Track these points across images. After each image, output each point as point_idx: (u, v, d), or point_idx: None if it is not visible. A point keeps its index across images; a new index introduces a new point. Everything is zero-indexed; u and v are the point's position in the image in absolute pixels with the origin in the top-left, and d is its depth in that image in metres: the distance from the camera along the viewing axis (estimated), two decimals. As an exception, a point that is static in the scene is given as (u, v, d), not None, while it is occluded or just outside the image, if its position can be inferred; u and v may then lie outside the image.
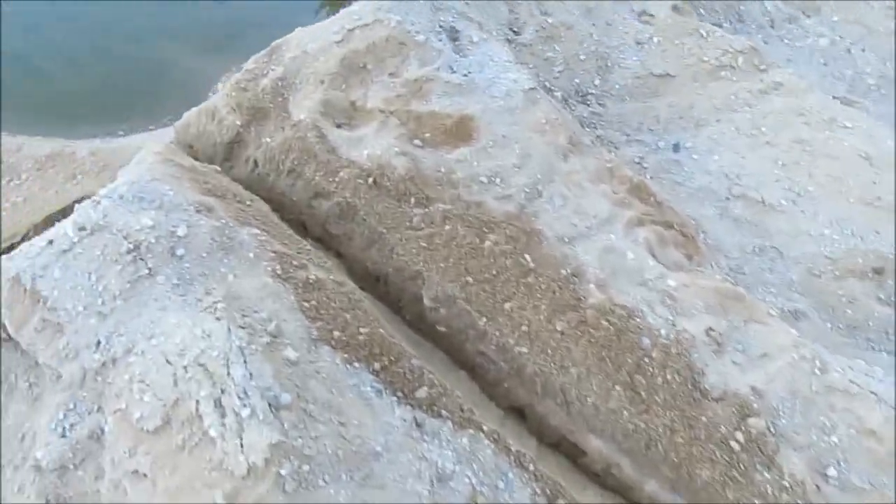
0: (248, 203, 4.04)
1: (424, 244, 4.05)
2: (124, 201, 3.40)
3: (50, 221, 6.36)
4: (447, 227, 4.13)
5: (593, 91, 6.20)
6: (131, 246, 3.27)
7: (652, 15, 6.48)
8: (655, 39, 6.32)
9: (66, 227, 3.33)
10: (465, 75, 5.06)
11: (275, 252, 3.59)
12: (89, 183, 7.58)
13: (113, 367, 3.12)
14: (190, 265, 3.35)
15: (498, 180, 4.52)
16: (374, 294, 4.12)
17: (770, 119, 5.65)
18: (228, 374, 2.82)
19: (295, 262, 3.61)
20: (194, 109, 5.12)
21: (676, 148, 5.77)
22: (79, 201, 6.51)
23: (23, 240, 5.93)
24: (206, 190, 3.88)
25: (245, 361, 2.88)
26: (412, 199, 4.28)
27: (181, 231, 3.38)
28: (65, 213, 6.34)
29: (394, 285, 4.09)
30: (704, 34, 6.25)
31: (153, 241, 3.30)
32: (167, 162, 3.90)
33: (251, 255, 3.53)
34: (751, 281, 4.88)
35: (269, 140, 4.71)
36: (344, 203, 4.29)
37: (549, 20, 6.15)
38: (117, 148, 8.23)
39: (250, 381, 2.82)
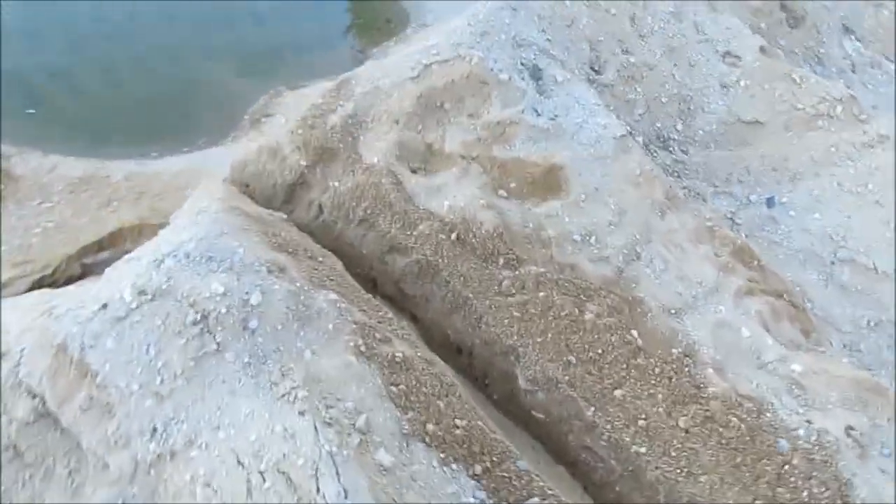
0: (320, 260, 3.57)
1: (517, 313, 3.56)
2: (192, 262, 2.94)
3: (84, 252, 5.92)
4: (541, 294, 3.64)
5: (676, 136, 5.72)
6: (198, 316, 2.80)
7: (738, 56, 6.01)
8: (743, 83, 5.85)
9: (123, 289, 2.87)
10: (552, 119, 4.60)
11: (355, 323, 3.11)
12: (126, 211, 7.17)
13: (171, 461, 2.64)
14: (263, 339, 2.87)
15: (592, 239, 4.03)
16: (455, 366, 3.62)
17: (877, 176, 5.14)
18: (318, 489, 2.32)
19: (378, 335, 3.13)
20: (254, 146, 4.70)
21: (771, 203, 5.27)
22: (116, 234, 6.20)
23: (54, 272, 5.51)
24: (277, 245, 3.42)
25: (337, 473, 2.38)
26: (500, 260, 3.80)
27: (254, 299, 2.91)
28: (101, 244, 5.93)
29: (480, 359, 3.60)
30: (798, 80, 5.76)
31: (224, 310, 2.83)
32: (232, 210, 3.46)
33: (330, 326, 3.06)
34: (869, 360, 4.34)
35: (337, 184, 4.27)
36: (424, 261, 3.82)
37: (632, 59, 5.70)
38: (153, 174, 7.83)
39: (345, 499, 2.32)
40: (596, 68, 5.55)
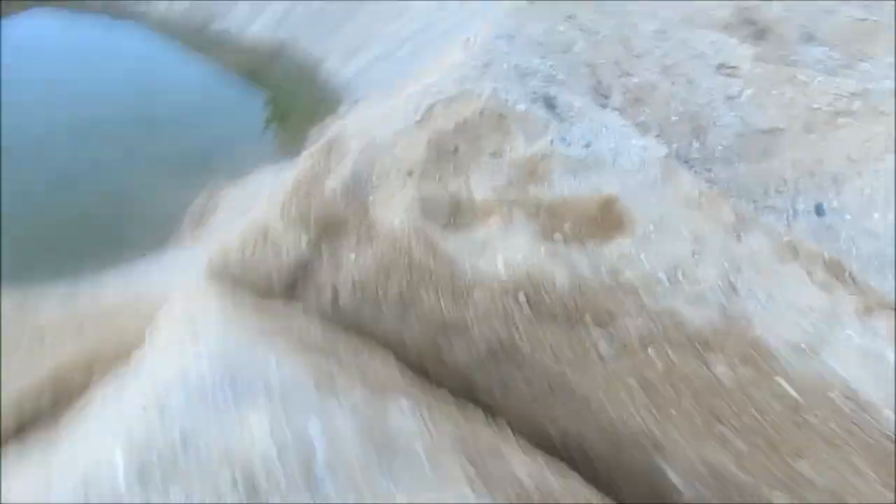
0: (366, 355, 2.66)
1: (635, 383, 2.73)
2: (210, 394, 1.98)
3: (21, 404, 4.72)
4: (651, 353, 2.85)
5: (696, 156, 5.18)
6: (239, 476, 1.82)
7: (734, 67, 5.64)
8: (747, 92, 5.44)
9: (108, 463, 1.85)
10: (586, 146, 3.93)
11: (450, 436, 2.20)
12: (65, 347, 5.97)
13: None
14: (337, 490, 1.91)
15: (680, 276, 3.30)
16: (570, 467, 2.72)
17: (925, 164, 4.72)
18: None
19: (483, 447, 2.22)
20: (236, 232, 3.78)
21: (820, 210, 4.74)
22: (58, 376, 5.00)
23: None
24: (308, 346, 2.49)
25: None
26: (588, 319, 2.99)
27: (314, 431, 1.96)
28: (41, 391, 4.76)
29: (601, 456, 2.71)
30: (805, 80, 5.41)
31: (275, 460, 1.87)
32: (241, 308, 2.52)
33: (419, 448, 2.12)
34: None
35: (353, 258, 3.39)
36: (492, 337, 2.96)
37: (634, 80, 5.20)
38: (91, 298, 6.70)
39: None
40: (603, 93, 5.00)
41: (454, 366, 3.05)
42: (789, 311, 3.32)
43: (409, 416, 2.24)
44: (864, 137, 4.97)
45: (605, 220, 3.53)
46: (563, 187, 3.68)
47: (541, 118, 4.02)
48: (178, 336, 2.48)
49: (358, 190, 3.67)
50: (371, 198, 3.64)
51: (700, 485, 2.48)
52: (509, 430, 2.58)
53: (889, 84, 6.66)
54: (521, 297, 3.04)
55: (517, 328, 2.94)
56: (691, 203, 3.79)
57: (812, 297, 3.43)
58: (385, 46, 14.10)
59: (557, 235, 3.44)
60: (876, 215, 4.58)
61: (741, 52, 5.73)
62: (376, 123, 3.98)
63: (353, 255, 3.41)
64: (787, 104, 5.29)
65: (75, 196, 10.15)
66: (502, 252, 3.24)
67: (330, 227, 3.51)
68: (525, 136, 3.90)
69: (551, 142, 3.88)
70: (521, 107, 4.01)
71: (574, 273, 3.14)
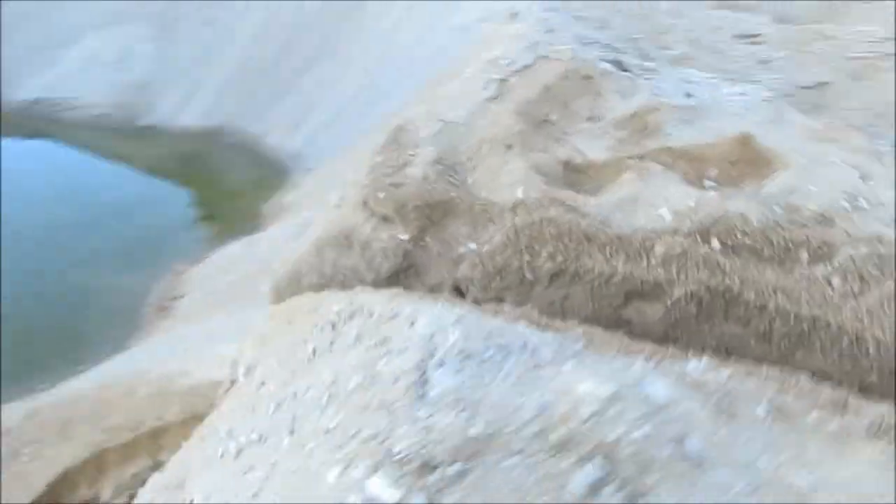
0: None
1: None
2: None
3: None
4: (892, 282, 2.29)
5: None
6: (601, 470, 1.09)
7: (756, 34, 5.45)
8: (779, 54, 5.23)
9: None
10: (687, 96, 3.49)
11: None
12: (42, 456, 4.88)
13: None
14: (713, 460, 1.19)
15: (863, 201, 2.79)
16: None
17: None
18: None
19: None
20: (303, 247, 3.05)
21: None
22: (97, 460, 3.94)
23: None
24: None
25: None
26: (803, 254, 2.41)
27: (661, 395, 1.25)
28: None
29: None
30: (831, 33, 5.25)
31: (638, 436, 1.15)
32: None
33: (761, 411, 1.44)
34: None
35: (475, 245, 2.72)
36: (698, 291, 2.33)
37: (670, 52, 4.89)
38: (56, 403, 5.63)
39: None
40: (652, 59, 4.63)
41: (655, 329, 2.38)
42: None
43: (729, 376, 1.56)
44: (915, 74, 4.77)
45: (751, 159, 3.03)
46: (684, 136, 3.18)
47: (626, 76, 3.57)
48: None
49: (452, 173, 3.05)
50: (471, 179, 3.02)
51: None
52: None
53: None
54: (715, 243, 2.45)
55: (729, 277, 2.33)
56: (820, 136, 3.37)
57: None
58: (331, 111, 13.77)
59: (708, 181, 2.90)
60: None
61: (758, 20, 5.56)
62: (444, 108, 3.40)
63: (472, 244, 2.74)
64: (826, 58, 5.07)
65: (24, 306, 9.03)
66: (663, 203, 2.66)
67: (434, 216, 2.85)
68: (620, 95, 3.41)
69: (654, 95, 3.40)
70: (606, 65, 3.54)
71: (759, 210, 2.59)
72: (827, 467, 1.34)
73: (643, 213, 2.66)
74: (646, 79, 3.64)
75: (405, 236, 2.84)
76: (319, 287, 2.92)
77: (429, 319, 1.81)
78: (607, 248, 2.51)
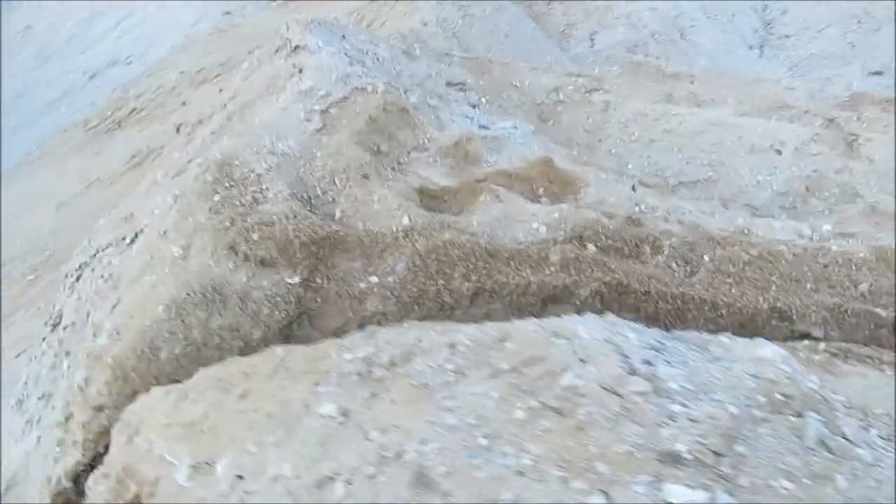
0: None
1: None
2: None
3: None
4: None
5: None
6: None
7: (464, 82, 6.28)
8: (484, 99, 6.15)
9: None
10: (482, 128, 3.88)
11: None
12: None
13: None
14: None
15: (643, 206, 3.55)
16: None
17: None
18: None
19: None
20: (137, 320, 2.38)
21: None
22: None
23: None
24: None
25: None
26: (644, 247, 2.96)
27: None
28: None
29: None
30: (519, 84, 6.39)
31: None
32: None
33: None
34: None
35: (379, 279, 2.56)
36: (595, 289, 2.66)
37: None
38: None
39: None
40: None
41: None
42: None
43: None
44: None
45: (559, 178, 3.52)
46: (501, 161, 3.54)
47: (431, 109, 3.79)
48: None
49: (314, 207, 2.80)
50: (338, 212, 2.82)
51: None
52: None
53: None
54: (591, 246, 2.82)
55: (612, 270, 2.72)
56: (578, 160, 4.12)
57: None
58: None
59: (542, 198, 3.30)
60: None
61: (459, 71, 6.38)
62: (267, 141, 3.09)
63: (374, 277, 2.58)
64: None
65: None
66: (532, 218, 2.94)
67: (321, 253, 2.58)
68: (434, 126, 3.61)
69: (460, 126, 3.69)
70: (413, 98, 3.70)
71: (602, 217, 3.07)
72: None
73: (520, 228, 2.89)
74: (441, 112, 3.92)
75: (295, 279, 2.50)
76: (188, 357, 2.36)
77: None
78: (511, 262, 2.66)
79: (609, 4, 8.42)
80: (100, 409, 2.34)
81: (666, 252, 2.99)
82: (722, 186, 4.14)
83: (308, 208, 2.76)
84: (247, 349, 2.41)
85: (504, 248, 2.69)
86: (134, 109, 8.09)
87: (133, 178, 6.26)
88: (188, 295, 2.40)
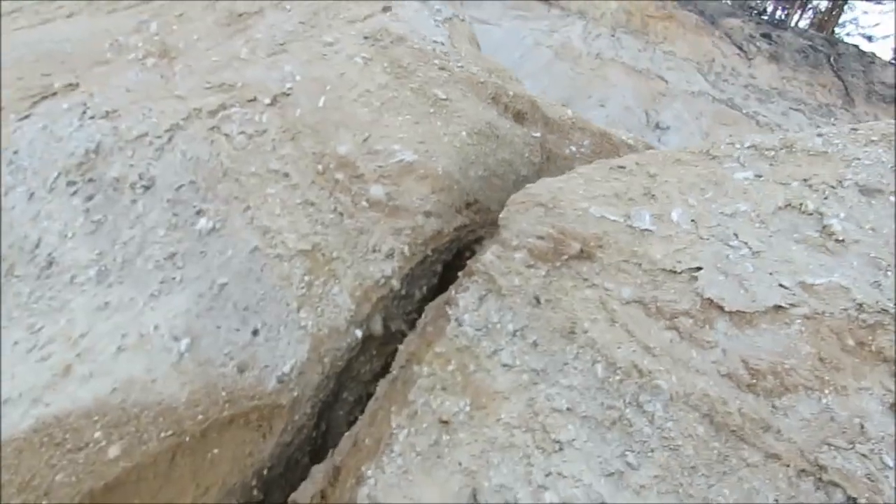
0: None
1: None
2: None
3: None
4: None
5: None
6: None
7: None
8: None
9: None
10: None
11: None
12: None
13: None
14: None
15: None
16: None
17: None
18: None
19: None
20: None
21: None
22: None
23: None
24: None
25: None
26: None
27: None
28: None
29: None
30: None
31: None
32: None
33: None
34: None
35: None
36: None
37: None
38: None
39: None
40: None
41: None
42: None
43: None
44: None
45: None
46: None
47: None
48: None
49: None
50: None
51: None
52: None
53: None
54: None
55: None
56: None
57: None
58: None
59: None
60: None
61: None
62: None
63: (572, 147, 3.21)
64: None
65: None
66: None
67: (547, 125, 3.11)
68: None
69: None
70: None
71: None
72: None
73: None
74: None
75: (537, 134, 2.99)
76: (484, 180, 2.67)
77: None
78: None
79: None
80: (427, 214, 2.46)
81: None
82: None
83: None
84: (518, 184, 2.82)
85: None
86: None
87: None
88: (479, 128, 2.72)
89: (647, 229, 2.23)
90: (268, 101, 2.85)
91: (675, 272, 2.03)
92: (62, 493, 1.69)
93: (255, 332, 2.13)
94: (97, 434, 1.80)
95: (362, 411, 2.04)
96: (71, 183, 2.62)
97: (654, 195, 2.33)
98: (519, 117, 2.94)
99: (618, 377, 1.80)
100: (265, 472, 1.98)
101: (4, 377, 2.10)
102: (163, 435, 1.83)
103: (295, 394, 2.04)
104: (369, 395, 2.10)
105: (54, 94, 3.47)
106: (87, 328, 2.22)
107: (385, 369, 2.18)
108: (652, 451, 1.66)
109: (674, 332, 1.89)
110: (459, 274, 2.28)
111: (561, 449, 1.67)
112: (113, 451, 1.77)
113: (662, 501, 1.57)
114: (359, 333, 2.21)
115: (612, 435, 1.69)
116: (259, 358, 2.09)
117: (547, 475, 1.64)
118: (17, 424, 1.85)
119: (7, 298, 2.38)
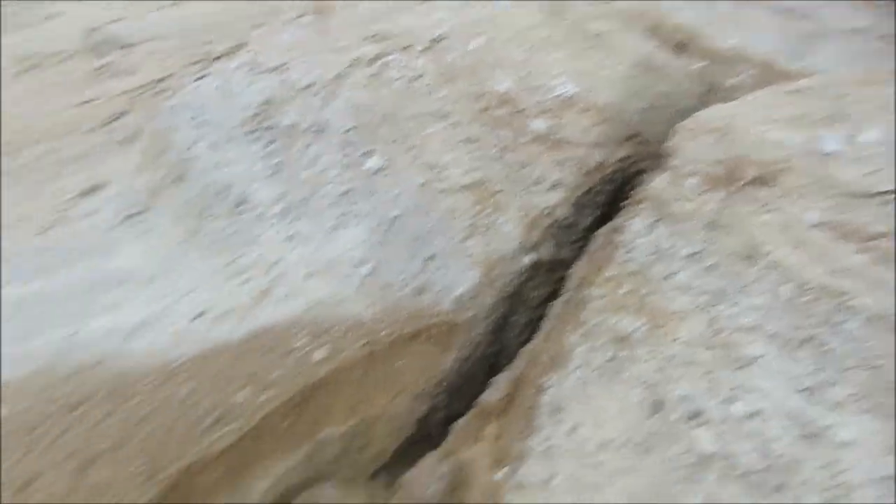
0: None
1: None
2: None
3: None
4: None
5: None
6: None
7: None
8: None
9: None
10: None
11: None
12: None
13: None
14: None
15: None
16: None
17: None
18: None
19: None
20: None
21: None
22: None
23: None
24: None
25: None
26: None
27: None
28: None
29: None
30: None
31: None
32: None
33: None
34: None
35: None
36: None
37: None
38: None
39: None
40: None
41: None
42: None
43: None
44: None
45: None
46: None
47: None
48: None
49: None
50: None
51: None
52: None
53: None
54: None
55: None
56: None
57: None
58: None
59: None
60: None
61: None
62: None
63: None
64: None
65: None
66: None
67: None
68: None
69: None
70: None
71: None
72: None
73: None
74: None
75: (699, 65, 2.88)
76: (643, 114, 2.62)
77: None
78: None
79: None
80: (590, 146, 2.47)
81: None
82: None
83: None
84: (679, 116, 2.74)
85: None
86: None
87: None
88: (638, 60, 2.66)
89: (832, 152, 2.10)
90: (422, 47, 2.95)
91: (868, 194, 1.91)
92: (280, 388, 1.94)
93: (429, 259, 2.27)
94: (302, 342, 2.03)
95: (532, 332, 2.13)
96: (250, 132, 2.87)
97: (839, 117, 2.19)
98: (679, 48, 2.84)
99: (806, 298, 1.74)
100: (446, 382, 2.14)
101: (212, 299, 2.38)
102: (357, 345, 2.02)
103: (470, 313, 2.17)
104: (539, 318, 2.18)
105: (219, 57, 3.79)
106: (278, 257, 2.47)
107: (553, 295, 2.25)
108: (847, 370, 1.61)
109: (869, 254, 1.79)
110: (623, 204, 2.28)
111: (748, 364, 1.66)
112: (318, 355, 2.00)
113: (860, 418, 1.53)
114: (527, 260, 2.30)
115: (803, 353, 1.66)
116: (434, 282, 2.23)
117: (733, 389, 1.64)
118: (232, 333, 2.13)
119: (206, 234, 2.68)
